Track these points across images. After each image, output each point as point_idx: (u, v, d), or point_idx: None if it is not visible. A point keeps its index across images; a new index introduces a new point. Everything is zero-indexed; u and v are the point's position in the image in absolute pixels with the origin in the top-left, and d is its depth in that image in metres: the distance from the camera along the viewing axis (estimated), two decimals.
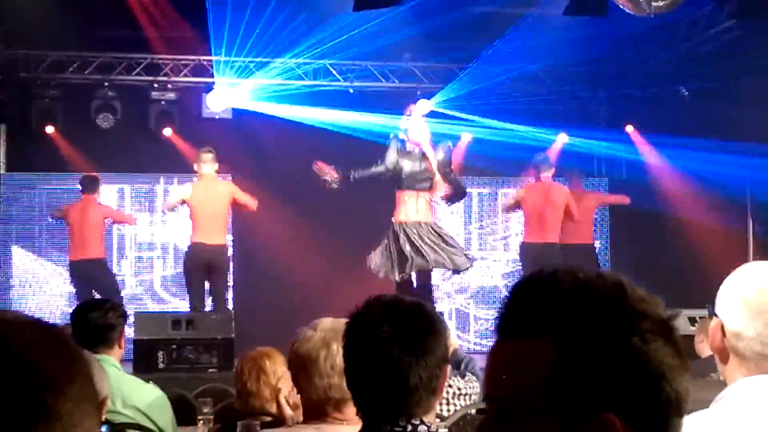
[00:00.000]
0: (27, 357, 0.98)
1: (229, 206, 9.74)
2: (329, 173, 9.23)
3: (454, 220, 12.34)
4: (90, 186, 10.20)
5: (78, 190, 10.35)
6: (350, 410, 2.66)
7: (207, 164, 9.57)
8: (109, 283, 10.17)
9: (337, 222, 11.52)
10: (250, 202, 9.77)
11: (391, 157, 9.10)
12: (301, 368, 2.73)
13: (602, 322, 1.10)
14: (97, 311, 4.16)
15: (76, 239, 10.06)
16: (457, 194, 9.51)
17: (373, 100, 11.38)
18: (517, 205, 10.58)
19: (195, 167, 9.72)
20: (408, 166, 9.08)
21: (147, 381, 4.28)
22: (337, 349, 2.68)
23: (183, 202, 9.65)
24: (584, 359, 1.08)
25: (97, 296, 9.18)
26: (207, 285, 9.66)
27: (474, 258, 10.02)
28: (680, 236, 11.31)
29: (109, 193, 11.48)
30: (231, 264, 10.22)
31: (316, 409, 2.72)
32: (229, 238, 11.49)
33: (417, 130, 9.23)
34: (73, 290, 10.33)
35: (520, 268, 10.80)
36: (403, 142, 9.21)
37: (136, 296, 11.63)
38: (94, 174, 10.47)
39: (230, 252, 10.30)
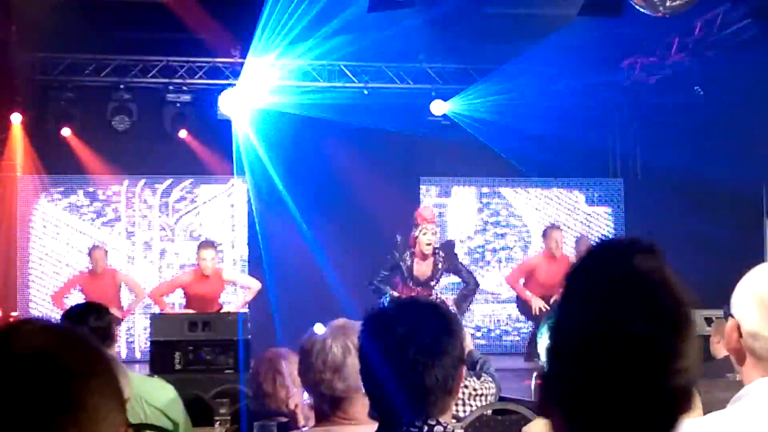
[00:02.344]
0: (54, 353, 1.06)
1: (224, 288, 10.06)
2: None
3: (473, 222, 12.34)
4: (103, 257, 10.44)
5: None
6: (354, 410, 2.66)
7: (206, 261, 9.71)
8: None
9: (354, 223, 11.53)
10: (252, 284, 10.07)
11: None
12: (300, 362, 2.76)
13: None
14: (94, 315, 4.24)
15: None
16: (467, 295, 9.79)
17: (387, 101, 11.39)
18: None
19: (196, 259, 9.92)
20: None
21: (151, 376, 4.32)
22: (330, 346, 2.68)
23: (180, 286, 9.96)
24: None
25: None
26: None
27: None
28: (696, 236, 11.26)
29: (122, 194, 11.55)
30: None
31: (319, 408, 2.72)
32: (245, 240, 11.55)
33: (426, 243, 9.40)
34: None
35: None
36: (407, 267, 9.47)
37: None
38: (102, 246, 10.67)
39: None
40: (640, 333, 1.15)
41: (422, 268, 9.53)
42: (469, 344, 4.53)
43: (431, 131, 11.40)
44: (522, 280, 10.20)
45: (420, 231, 9.44)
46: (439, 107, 11.46)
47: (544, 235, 10.25)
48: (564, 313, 1.23)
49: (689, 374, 1.16)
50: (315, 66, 11.28)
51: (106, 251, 10.56)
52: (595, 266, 1.22)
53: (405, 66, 11.56)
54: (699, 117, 10.91)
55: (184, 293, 9.94)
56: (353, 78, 11.44)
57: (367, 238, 11.39)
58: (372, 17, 9.55)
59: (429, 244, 9.41)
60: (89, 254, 10.41)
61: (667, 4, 7.99)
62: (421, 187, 12.31)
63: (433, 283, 9.59)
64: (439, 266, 9.55)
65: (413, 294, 9.27)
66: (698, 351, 1.19)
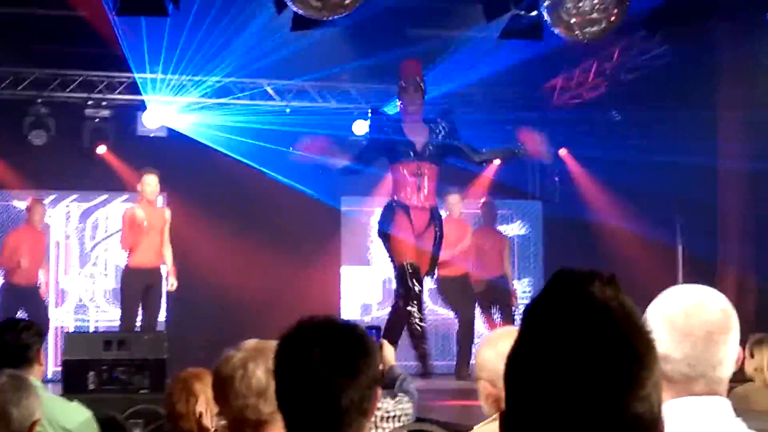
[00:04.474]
0: None
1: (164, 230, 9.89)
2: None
3: None
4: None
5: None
6: None
7: (151, 186, 9.73)
8: (41, 309, 10.32)
9: (273, 241, 11.47)
10: (166, 248, 9.88)
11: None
12: (220, 389, 2.73)
13: None
14: (11, 332, 4.12)
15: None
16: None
17: (309, 119, 11.38)
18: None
19: (138, 187, 9.84)
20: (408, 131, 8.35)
21: (71, 400, 4.23)
22: (253, 370, 2.67)
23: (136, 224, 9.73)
24: None
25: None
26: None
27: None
28: (611, 257, 11.45)
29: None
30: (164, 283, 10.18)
31: (236, 431, 2.70)
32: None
33: (411, 97, 8.53)
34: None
35: None
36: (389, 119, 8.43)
37: (79, 308, 11.56)
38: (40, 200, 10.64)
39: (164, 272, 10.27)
40: (598, 361, 1.14)
41: (414, 133, 8.48)
42: (390, 360, 4.49)
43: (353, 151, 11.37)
44: None
45: (403, 92, 8.51)
46: (361, 127, 11.46)
47: (444, 201, 10.67)
48: (522, 345, 1.20)
49: (651, 401, 1.16)
50: (236, 83, 11.23)
51: (45, 210, 10.64)
52: (552, 297, 1.20)
53: (328, 85, 11.57)
54: (615, 141, 11.14)
55: (130, 227, 9.72)
56: (275, 96, 11.40)
57: (289, 256, 11.34)
58: (295, 35, 9.54)
59: (415, 104, 8.43)
60: (29, 209, 10.40)
61: (586, 29, 8.13)
62: (342, 206, 12.27)
63: (429, 152, 8.47)
64: (438, 133, 8.46)
65: (414, 169, 8.51)
66: (660, 379, 1.20)
